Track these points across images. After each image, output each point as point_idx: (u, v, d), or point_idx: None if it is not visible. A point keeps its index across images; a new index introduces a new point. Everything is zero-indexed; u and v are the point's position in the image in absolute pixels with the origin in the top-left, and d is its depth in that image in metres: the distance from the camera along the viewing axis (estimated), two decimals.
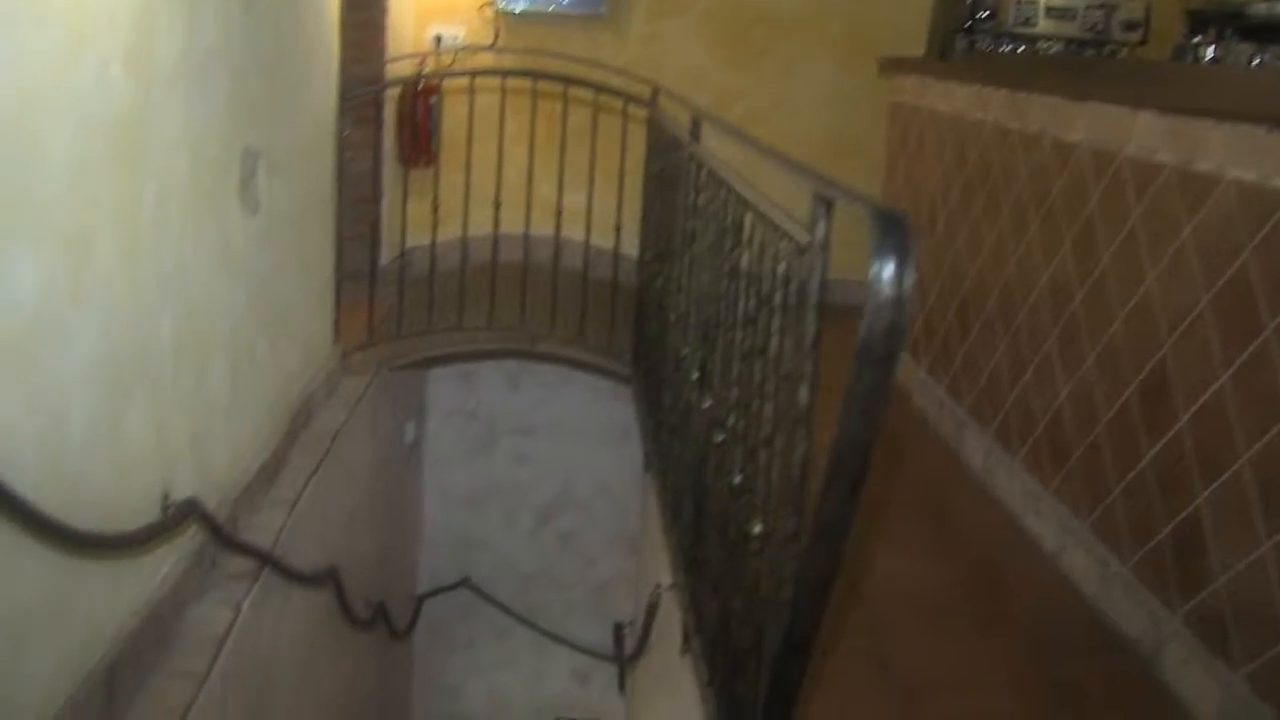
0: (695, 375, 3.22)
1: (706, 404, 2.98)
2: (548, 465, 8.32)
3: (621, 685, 7.03)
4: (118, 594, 2.87)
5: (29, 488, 2.17)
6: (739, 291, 2.52)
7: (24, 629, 2.34)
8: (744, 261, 2.49)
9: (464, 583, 8.35)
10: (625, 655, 6.46)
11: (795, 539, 1.89)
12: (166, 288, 3.13)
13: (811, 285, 1.83)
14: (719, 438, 2.72)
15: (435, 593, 8.25)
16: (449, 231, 5.89)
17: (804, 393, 1.85)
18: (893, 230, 1.48)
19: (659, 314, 4.44)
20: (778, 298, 2.10)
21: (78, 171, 2.52)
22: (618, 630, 6.97)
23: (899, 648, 3.30)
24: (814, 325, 1.84)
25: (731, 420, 2.56)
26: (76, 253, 2.53)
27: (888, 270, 1.45)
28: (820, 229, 1.83)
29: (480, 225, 5.79)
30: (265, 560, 3.72)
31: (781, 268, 2.07)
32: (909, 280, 1.44)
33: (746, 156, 2.67)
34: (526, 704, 8.83)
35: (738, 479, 2.46)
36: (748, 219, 2.44)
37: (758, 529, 2.20)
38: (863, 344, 1.47)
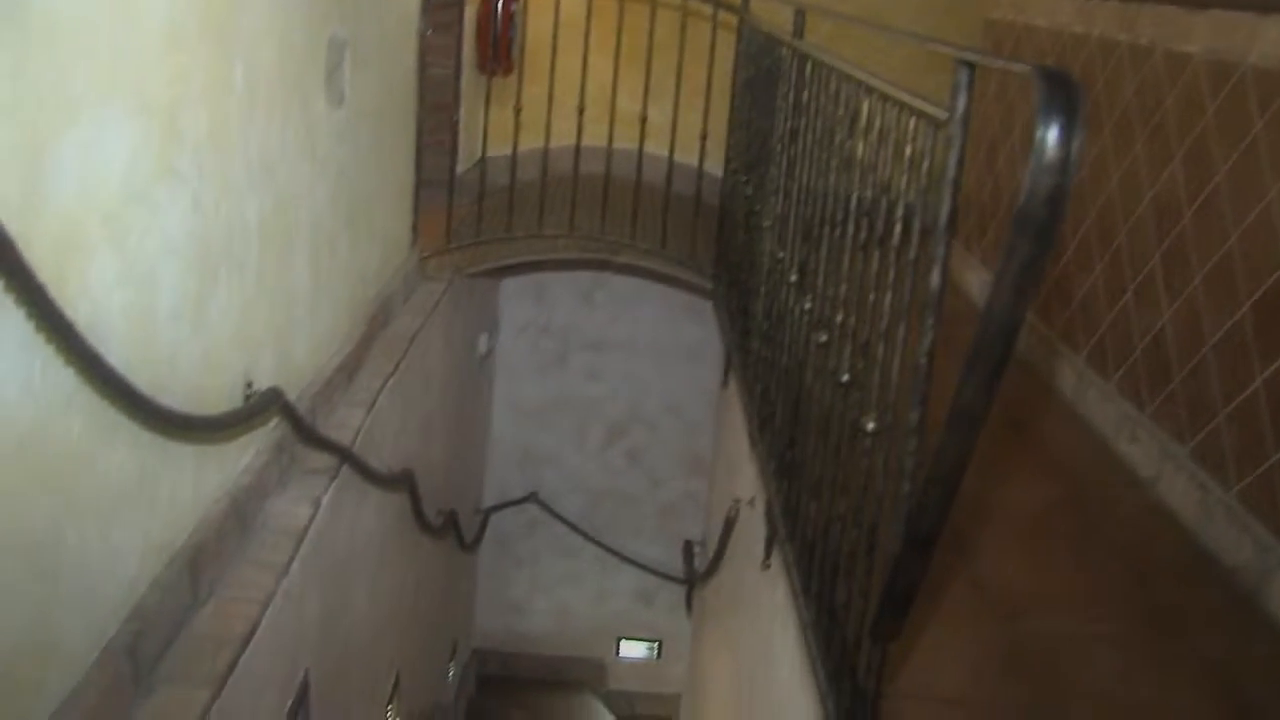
0: (793, 278, 3.11)
1: (807, 305, 2.88)
2: (619, 382, 8.25)
3: (689, 605, 7.00)
4: (202, 479, 2.83)
5: (119, 363, 2.12)
6: (853, 183, 2.41)
7: (113, 507, 2.30)
8: (859, 151, 2.37)
9: (531, 498, 8.34)
10: (695, 573, 6.42)
11: (918, 431, 1.80)
12: (253, 172, 3.06)
13: (950, 161, 1.72)
14: (822, 338, 2.62)
15: (502, 507, 8.25)
16: (528, 143, 5.78)
17: (936, 277, 1.74)
18: (1059, 89, 1.36)
19: (748, 221, 4.33)
20: (902, 183, 1.99)
21: (170, 42, 2.45)
22: (688, 549, 6.93)
23: (991, 568, 3.21)
24: (951, 204, 1.72)
25: (840, 318, 2.46)
26: (166, 126, 2.46)
27: (1053, 132, 1.34)
28: (962, 100, 1.71)
29: (560, 137, 5.68)
30: (344, 457, 3.68)
31: (910, 149, 1.96)
32: (1077, 142, 1.33)
33: (849, 54, 2.55)
34: (590, 622, 8.84)
35: (846, 377, 2.36)
36: (866, 106, 2.31)
37: (871, 425, 2.10)
38: (1022, 212, 1.36)
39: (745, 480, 4.07)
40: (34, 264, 1.77)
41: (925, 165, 1.87)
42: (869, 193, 2.26)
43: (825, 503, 2.46)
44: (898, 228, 2.01)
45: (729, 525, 4.36)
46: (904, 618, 1.83)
